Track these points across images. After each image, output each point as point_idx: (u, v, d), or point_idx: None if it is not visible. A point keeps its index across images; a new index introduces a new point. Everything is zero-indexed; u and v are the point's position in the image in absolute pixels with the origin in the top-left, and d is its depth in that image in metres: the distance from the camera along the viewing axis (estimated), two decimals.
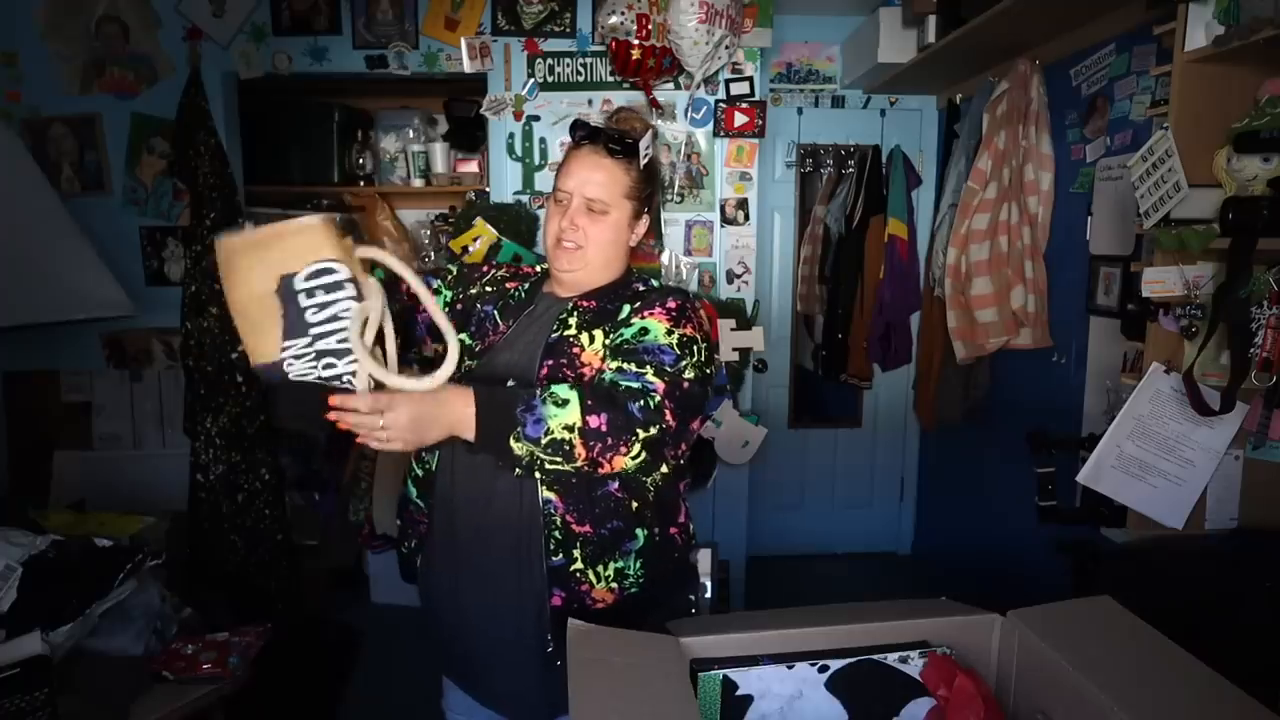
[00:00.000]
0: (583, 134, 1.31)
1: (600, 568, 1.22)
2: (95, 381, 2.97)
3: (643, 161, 1.30)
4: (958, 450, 3.34)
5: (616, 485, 1.21)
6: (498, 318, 1.33)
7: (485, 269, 1.44)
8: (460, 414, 1.07)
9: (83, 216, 2.60)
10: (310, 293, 0.96)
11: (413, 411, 1.04)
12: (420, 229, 3.67)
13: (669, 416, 1.11)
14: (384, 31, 2.85)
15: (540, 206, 2.92)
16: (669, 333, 1.18)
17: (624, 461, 1.10)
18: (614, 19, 2.65)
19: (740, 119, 2.90)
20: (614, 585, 1.23)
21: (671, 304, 1.23)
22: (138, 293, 2.73)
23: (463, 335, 1.33)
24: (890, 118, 3.48)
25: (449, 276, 1.42)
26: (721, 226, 2.99)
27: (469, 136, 3.37)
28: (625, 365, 1.15)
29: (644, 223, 1.34)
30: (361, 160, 3.40)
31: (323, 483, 3.25)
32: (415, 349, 1.40)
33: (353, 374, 1.00)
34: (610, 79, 2.87)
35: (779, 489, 3.68)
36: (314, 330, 0.98)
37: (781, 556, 3.64)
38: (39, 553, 1.59)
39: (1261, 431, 1.61)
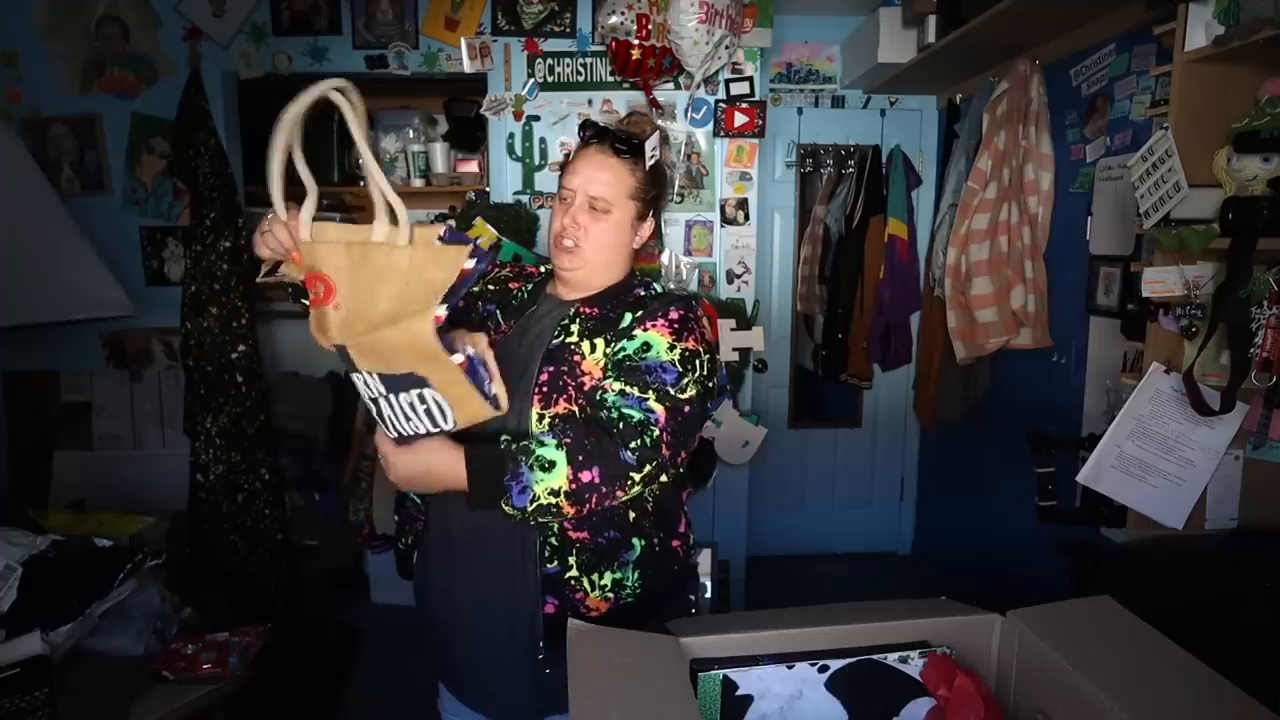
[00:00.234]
0: (590, 133, 1.30)
1: (595, 576, 1.21)
2: (95, 381, 2.97)
3: (649, 163, 1.29)
4: (958, 450, 3.34)
5: None
6: (500, 317, 1.33)
7: (489, 267, 1.44)
8: (456, 477, 1.10)
9: (83, 216, 2.61)
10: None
11: (407, 471, 1.12)
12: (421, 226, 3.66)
13: (665, 450, 1.12)
14: (384, 31, 2.85)
15: (541, 207, 2.92)
16: (671, 348, 1.17)
17: (621, 498, 1.13)
18: (614, 19, 2.65)
19: (740, 119, 2.90)
20: (609, 595, 1.22)
21: (674, 315, 1.21)
22: (138, 293, 2.74)
23: None
24: (890, 118, 3.48)
25: None
26: (721, 226, 2.99)
27: (469, 136, 3.37)
28: (628, 388, 1.14)
29: (649, 225, 1.33)
30: (361, 160, 3.40)
31: (323, 483, 3.25)
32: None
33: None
34: (610, 79, 2.87)
35: (779, 489, 3.68)
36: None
37: (781, 556, 3.64)
38: (39, 553, 1.59)
39: (1261, 431, 1.61)
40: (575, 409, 1.19)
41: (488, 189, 3.03)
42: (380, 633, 2.94)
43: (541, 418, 1.18)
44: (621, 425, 1.11)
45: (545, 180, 2.93)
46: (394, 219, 1.02)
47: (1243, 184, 1.53)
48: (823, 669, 1.00)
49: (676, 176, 2.91)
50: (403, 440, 1.09)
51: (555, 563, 1.20)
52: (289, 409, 3.21)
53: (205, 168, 2.62)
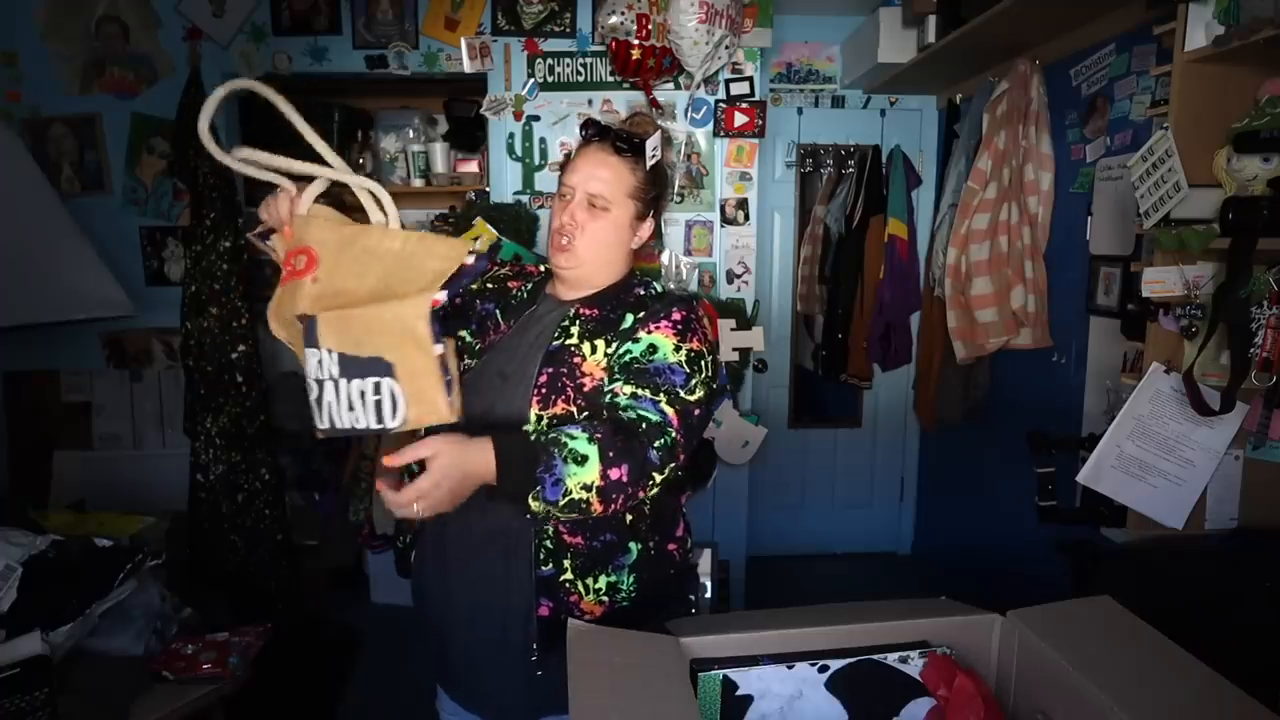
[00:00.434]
0: (592, 131, 1.30)
1: (590, 579, 1.21)
2: (95, 381, 2.97)
3: (650, 162, 1.28)
4: (958, 450, 3.34)
5: None
6: (499, 317, 1.33)
7: (489, 265, 1.43)
8: (485, 468, 1.03)
9: (83, 216, 2.61)
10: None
11: (449, 484, 1.02)
12: (420, 229, 3.67)
13: (681, 452, 1.12)
14: (384, 31, 2.85)
15: (541, 206, 2.92)
16: (677, 349, 1.18)
17: (640, 498, 1.11)
18: (614, 19, 2.65)
19: (740, 119, 2.90)
20: (604, 598, 1.21)
21: (677, 316, 1.21)
22: (138, 293, 2.74)
23: (462, 332, 1.33)
24: (890, 118, 3.49)
25: None
26: (721, 226, 2.99)
27: (469, 136, 3.37)
28: (640, 390, 1.14)
29: (648, 226, 1.33)
30: (361, 160, 3.40)
31: (323, 483, 3.25)
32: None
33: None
34: (610, 79, 2.87)
35: (779, 489, 3.68)
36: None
37: (781, 556, 3.65)
38: (39, 553, 1.59)
39: (1261, 431, 1.61)
40: (574, 409, 1.18)
41: (488, 189, 3.03)
42: (380, 633, 2.94)
43: (540, 419, 1.18)
44: (644, 426, 1.11)
45: (545, 180, 2.93)
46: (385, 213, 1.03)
47: (1243, 184, 1.53)
48: (823, 669, 1.00)
49: (677, 176, 2.91)
50: (328, 433, 1.03)
51: (550, 565, 1.20)
52: (289, 409, 3.21)
53: (205, 168, 2.61)
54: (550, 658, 1.15)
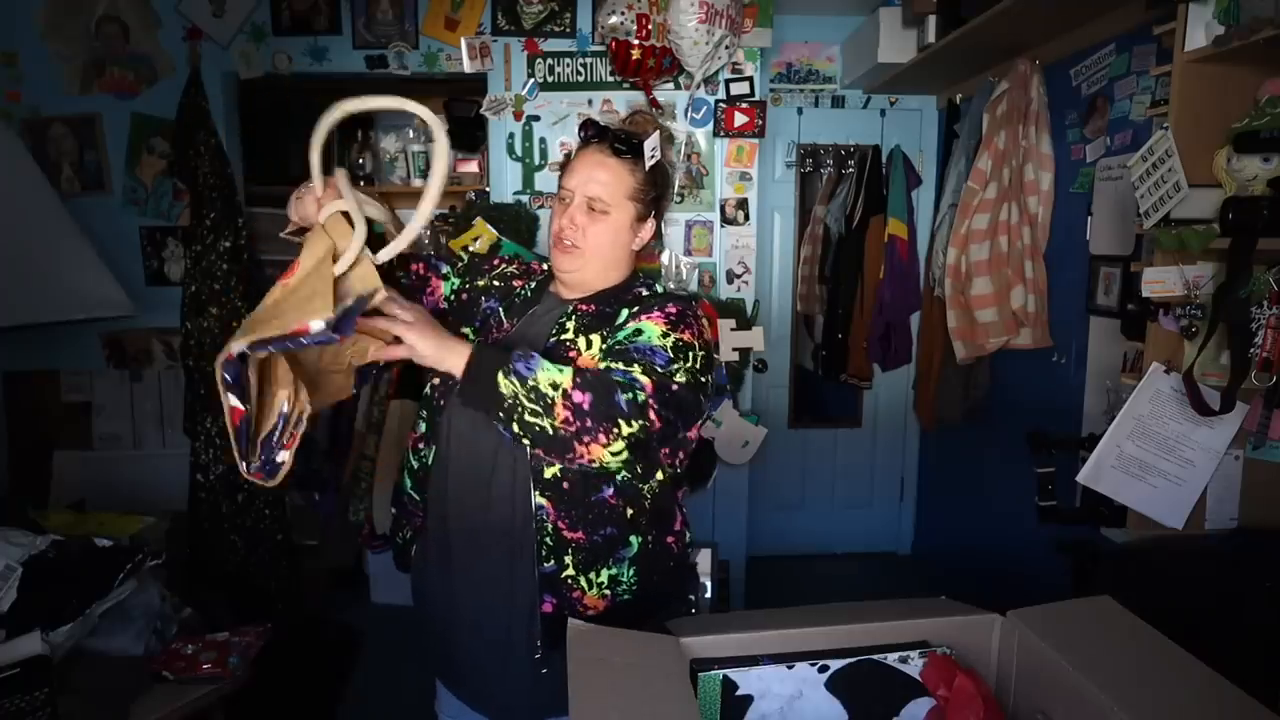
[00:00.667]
0: (590, 133, 1.30)
1: (592, 575, 1.21)
2: (95, 381, 2.97)
3: (649, 163, 1.28)
4: (958, 450, 3.34)
5: (611, 492, 1.20)
6: (502, 315, 1.33)
7: (496, 262, 1.43)
8: (459, 348, 1.10)
9: (83, 216, 2.60)
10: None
11: (427, 329, 1.10)
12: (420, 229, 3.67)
13: (654, 416, 1.09)
14: (384, 31, 2.85)
15: (540, 206, 2.92)
16: (664, 335, 1.16)
17: (602, 452, 1.07)
18: (614, 19, 2.65)
19: (740, 119, 2.90)
20: (606, 593, 1.22)
21: (671, 309, 1.21)
22: (138, 293, 2.73)
23: (466, 329, 1.33)
24: (890, 118, 3.48)
25: (459, 265, 1.42)
26: (721, 226, 2.99)
27: (469, 136, 3.37)
28: (614, 364, 1.13)
29: (649, 227, 1.32)
30: (361, 160, 3.41)
31: (323, 483, 3.25)
32: None
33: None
34: (610, 79, 2.87)
35: (779, 489, 3.68)
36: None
37: (781, 556, 3.64)
38: (39, 553, 1.59)
39: (1261, 431, 1.61)
40: None
41: (488, 189, 3.03)
42: (380, 633, 2.94)
43: None
44: (613, 378, 1.10)
45: (545, 180, 2.93)
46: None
47: (1243, 184, 1.53)
48: (823, 669, 1.00)
49: (677, 176, 2.91)
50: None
51: (552, 562, 1.20)
52: None
53: (205, 168, 2.62)
54: (554, 656, 1.15)
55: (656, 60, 2.65)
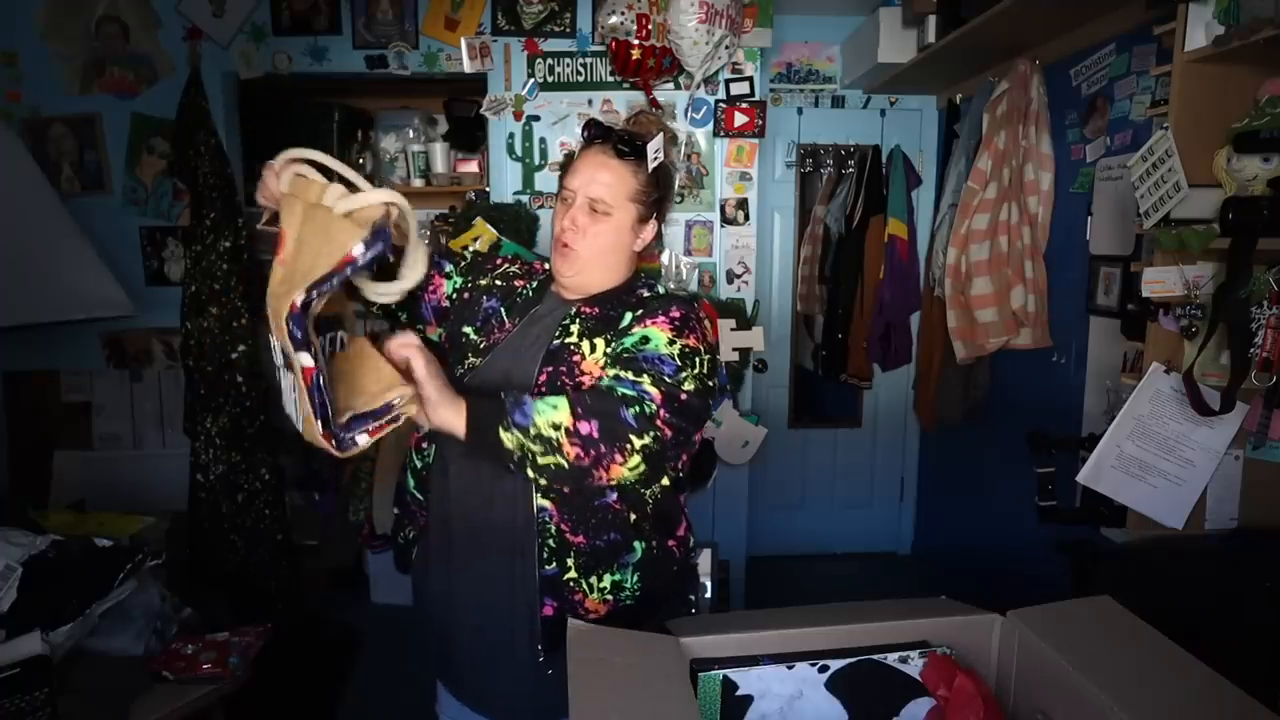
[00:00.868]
0: (594, 133, 1.30)
1: (594, 579, 1.21)
2: (95, 381, 2.97)
3: (652, 165, 1.28)
4: (958, 450, 3.34)
5: (615, 497, 1.20)
6: (504, 315, 1.33)
7: (498, 261, 1.42)
8: (455, 408, 1.07)
9: (83, 216, 2.61)
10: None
11: (436, 380, 1.06)
12: (420, 229, 3.67)
13: (664, 427, 1.09)
14: (384, 31, 2.85)
15: (541, 207, 2.92)
16: (670, 343, 1.16)
17: (621, 471, 1.08)
18: (614, 19, 2.65)
19: (740, 119, 2.90)
20: (609, 597, 1.21)
21: (675, 313, 1.20)
22: (138, 293, 2.74)
23: (467, 329, 1.33)
24: (890, 118, 3.48)
25: (462, 263, 1.42)
26: (721, 226, 2.99)
27: (469, 136, 3.37)
28: (622, 373, 1.13)
29: (651, 228, 1.32)
30: (361, 160, 3.40)
31: (323, 483, 3.25)
32: (420, 328, 1.39)
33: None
34: (610, 79, 2.87)
35: (779, 489, 3.68)
36: None
37: (781, 556, 3.64)
38: (39, 553, 1.59)
39: (1261, 431, 1.61)
40: None
41: (488, 189, 3.03)
42: (380, 633, 2.94)
43: None
44: (618, 393, 1.10)
45: (545, 180, 2.93)
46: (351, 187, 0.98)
47: (1243, 184, 1.53)
48: (823, 669, 1.00)
49: (678, 177, 2.91)
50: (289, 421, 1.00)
51: (553, 564, 1.20)
52: None
53: (205, 168, 2.61)
54: (557, 657, 1.15)
55: (656, 60, 2.65)
